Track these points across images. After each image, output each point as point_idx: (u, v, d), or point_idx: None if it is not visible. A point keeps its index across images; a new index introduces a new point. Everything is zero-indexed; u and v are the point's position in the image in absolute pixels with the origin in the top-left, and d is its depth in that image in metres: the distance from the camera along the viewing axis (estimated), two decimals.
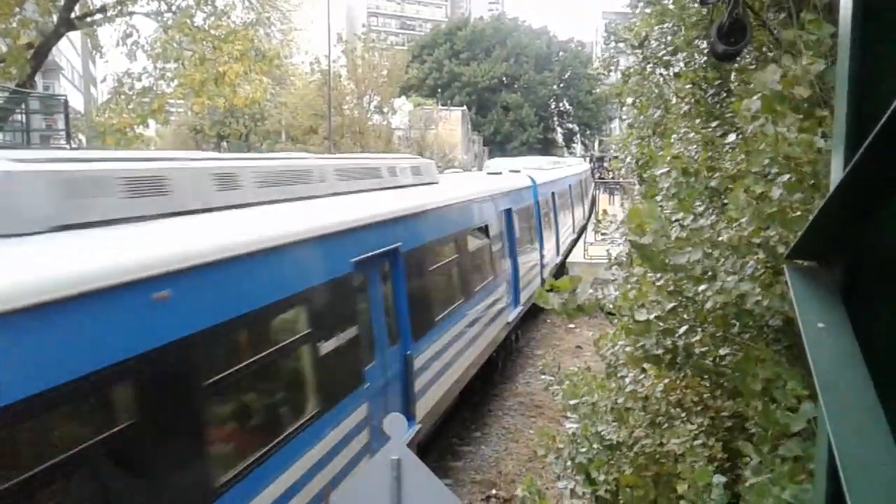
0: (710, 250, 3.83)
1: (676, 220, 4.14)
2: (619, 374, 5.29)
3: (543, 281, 19.87)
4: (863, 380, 1.43)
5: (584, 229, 31.45)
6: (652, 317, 4.28)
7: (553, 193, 23.78)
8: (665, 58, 7.37)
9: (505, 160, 35.76)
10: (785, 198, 3.17)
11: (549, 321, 21.26)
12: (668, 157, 4.93)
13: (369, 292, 8.05)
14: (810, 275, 1.83)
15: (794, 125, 3.31)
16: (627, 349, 4.84)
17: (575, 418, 5.27)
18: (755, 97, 3.51)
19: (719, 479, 3.82)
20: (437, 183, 12.71)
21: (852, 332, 1.57)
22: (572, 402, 5.48)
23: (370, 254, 7.94)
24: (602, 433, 5.03)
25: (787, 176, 3.21)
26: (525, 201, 18.45)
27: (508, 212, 16.05)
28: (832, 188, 1.67)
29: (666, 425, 4.85)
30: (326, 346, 6.75)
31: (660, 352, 4.43)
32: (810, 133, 3.33)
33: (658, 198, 5.31)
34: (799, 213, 3.13)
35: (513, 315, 15.92)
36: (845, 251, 1.76)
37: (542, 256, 20.22)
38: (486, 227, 13.99)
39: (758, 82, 3.49)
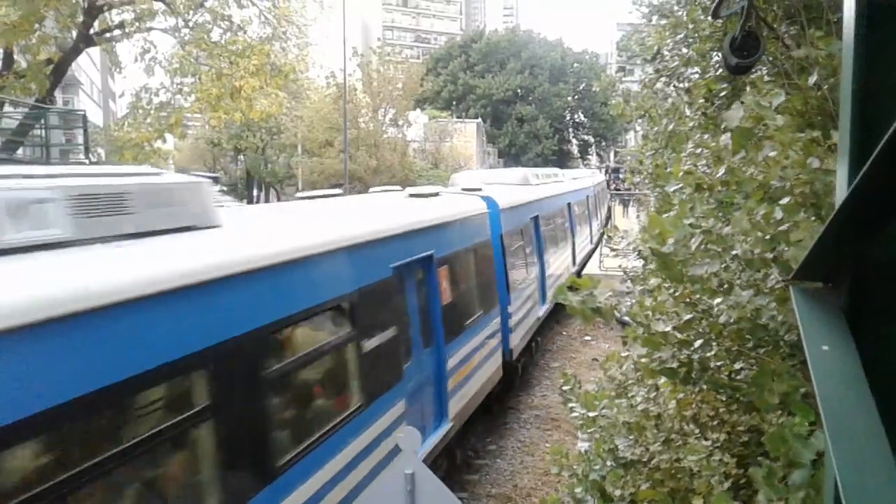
0: (728, 262, 3.82)
1: (698, 226, 4.10)
2: (629, 394, 5.24)
3: (510, 354, 13.89)
4: (866, 403, 1.41)
5: (592, 253, 28.92)
6: (669, 328, 4.24)
7: (535, 219, 17.78)
8: (678, 70, 7.37)
9: (478, 173, 29.49)
10: (788, 219, 3.18)
11: (564, 333, 21.17)
12: (681, 174, 4.92)
13: None
14: (816, 296, 1.81)
15: (787, 149, 3.33)
16: (643, 360, 4.79)
17: (586, 437, 5.22)
18: (726, 134, 3.58)
19: None
20: (212, 226, 6.01)
21: (857, 354, 1.56)
22: (591, 414, 5.40)
23: None
24: (617, 449, 4.97)
25: (787, 199, 3.23)
26: (468, 240, 11.92)
27: (426, 261, 9.76)
28: (837, 206, 1.66)
29: (680, 442, 4.81)
30: None
31: (675, 365, 4.40)
32: (805, 154, 3.35)
33: (671, 213, 5.28)
34: (803, 232, 3.14)
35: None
36: (851, 271, 1.75)
37: (506, 318, 13.67)
38: (347, 306, 7.33)
39: (727, 119, 3.56)
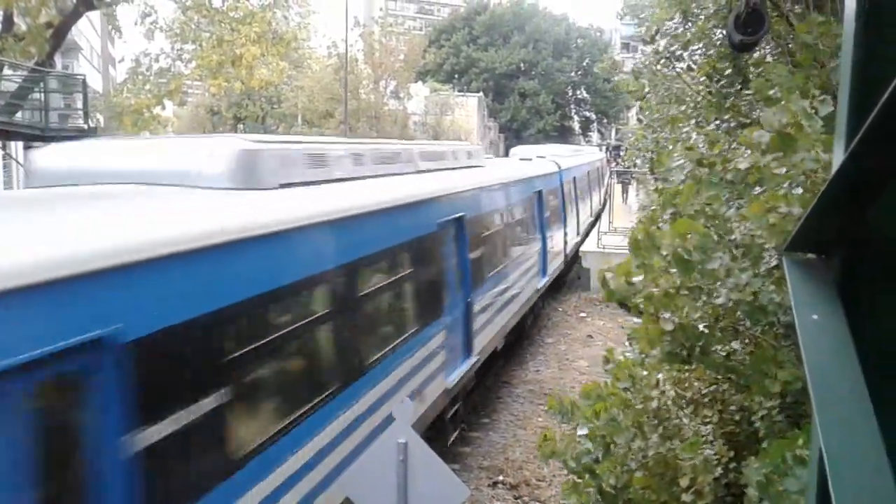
0: (731, 249, 3.80)
1: (703, 212, 4.07)
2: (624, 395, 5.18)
3: (567, 256, 22.39)
4: (853, 372, 1.43)
5: (600, 214, 31.93)
6: (675, 321, 4.20)
7: (574, 178, 25.66)
8: (677, 52, 7.32)
9: (529, 147, 35.83)
10: (802, 211, 3.18)
11: (560, 309, 21.24)
12: (681, 150, 4.88)
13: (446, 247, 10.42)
14: (808, 267, 1.82)
15: (811, 149, 3.32)
16: (654, 353, 4.75)
17: (585, 427, 5.15)
18: (764, 132, 3.57)
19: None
20: (482, 166, 14.33)
21: (846, 324, 1.57)
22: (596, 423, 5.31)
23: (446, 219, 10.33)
24: (615, 444, 4.92)
25: (801, 191, 3.23)
26: (551, 184, 20.34)
27: (539, 193, 17.90)
28: (830, 179, 1.66)
29: (676, 421, 4.80)
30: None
31: (677, 350, 4.39)
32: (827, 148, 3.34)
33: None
34: None
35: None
36: (843, 243, 1.76)
37: (566, 234, 22.04)
38: (524, 203, 16.01)
39: (764, 121, 3.56)
